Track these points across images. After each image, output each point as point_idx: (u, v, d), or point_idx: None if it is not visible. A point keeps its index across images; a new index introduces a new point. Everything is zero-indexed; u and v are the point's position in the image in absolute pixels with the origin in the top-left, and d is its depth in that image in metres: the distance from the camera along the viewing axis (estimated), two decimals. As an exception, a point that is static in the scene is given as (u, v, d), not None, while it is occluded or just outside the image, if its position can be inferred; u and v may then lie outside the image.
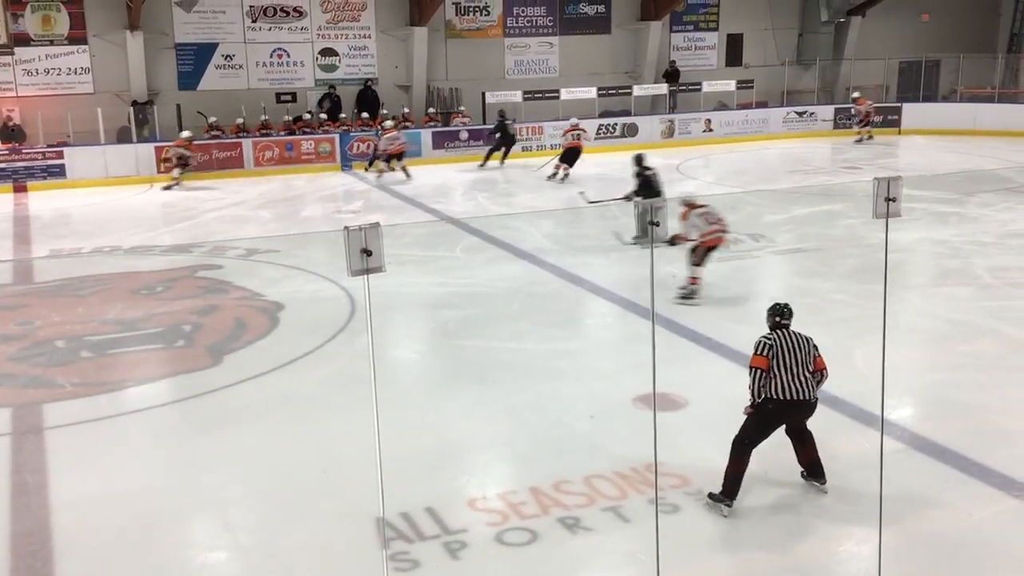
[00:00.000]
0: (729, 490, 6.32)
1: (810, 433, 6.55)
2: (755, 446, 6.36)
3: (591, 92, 24.68)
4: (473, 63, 25.19)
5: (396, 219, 16.25)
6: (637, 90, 25.51)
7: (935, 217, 15.10)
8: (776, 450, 6.56)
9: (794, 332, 6.37)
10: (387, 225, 13.80)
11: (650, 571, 4.78)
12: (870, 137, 24.40)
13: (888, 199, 4.43)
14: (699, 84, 26.02)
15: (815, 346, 6.37)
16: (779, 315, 6.42)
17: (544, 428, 7.77)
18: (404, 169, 20.48)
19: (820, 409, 7.95)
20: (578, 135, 19.78)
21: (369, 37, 24.65)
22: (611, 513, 6.31)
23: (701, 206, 11.09)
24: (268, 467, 7.21)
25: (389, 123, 21.50)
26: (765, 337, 6.33)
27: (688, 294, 11.00)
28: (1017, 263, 12.36)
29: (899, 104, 26.40)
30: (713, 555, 5.99)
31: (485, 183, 20.57)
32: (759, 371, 6.27)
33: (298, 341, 10.01)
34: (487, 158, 22.02)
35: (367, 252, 3.47)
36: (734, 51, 28.11)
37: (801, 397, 6.29)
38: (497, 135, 21.89)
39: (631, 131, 24.61)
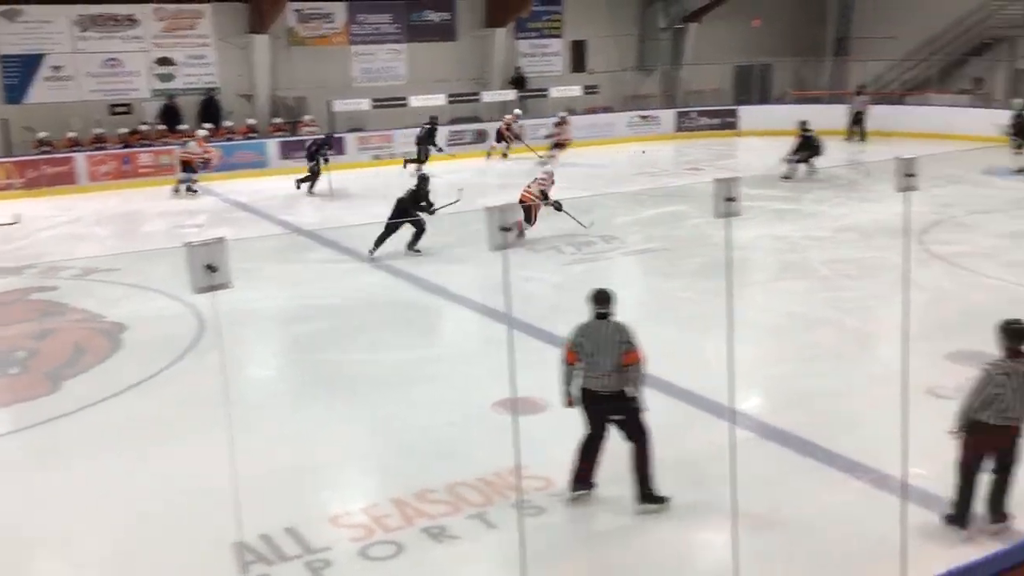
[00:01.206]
0: (576, 483, 6.42)
1: (641, 438, 6.35)
2: (593, 440, 6.38)
3: (440, 99, 24.68)
4: (319, 71, 24.77)
5: (244, 232, 15.78)
6: (486, 96, 25.67)
7: (773, 214, 15.77)
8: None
9: (610, 322, 6.27)
10: (235, 239, 13.42)
11: (516, 566, 4.77)
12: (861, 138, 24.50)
13: (728, 199, 4.56)
14: (546, 90, 26.41)
15: (626, 340, 6.21)
16: (595, 302, 6.33)
17: (406, 438, 7.68)
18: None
19: (673, 404, 8.17)
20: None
21: (208, 45, 23.87)
22: (476, 520, 6.29)
23: None
24: (115, 497, 6.85)
25: (202, 132, 20.65)
26: (577, 327, 6.28)
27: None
28: (850, 256, 13.04)
29: (735, 107, 27.50)
30: (578, 553, 6.05)
31: (337, 193, 20.24)
32: (565, 365, 6.30)
33: (143, 363, 9.58)
34: (416, 161, 21.31)
35: (211, 268, 3.32)
36: (579, 57, 28.67)
37: (599, 389, 6.22)
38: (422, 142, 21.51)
39: (481, 137, 24.74)
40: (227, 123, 23.22)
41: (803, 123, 19.27)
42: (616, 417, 6.33)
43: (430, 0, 26.24)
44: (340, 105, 23.63)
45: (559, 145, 22.77)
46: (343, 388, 8.85)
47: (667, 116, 27.22)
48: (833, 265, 12.63)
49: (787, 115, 25.78)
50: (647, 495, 6.35)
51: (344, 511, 6.50)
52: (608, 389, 6.23)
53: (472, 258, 13.29)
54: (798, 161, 19.00)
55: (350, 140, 23.31)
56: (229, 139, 22.60)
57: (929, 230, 14.00)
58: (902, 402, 4.60)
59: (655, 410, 8.08)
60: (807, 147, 19.04)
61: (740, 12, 28.93)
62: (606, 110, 27.44)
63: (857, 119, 24.65)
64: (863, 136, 24.43)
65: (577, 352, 6.25)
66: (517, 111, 24.18)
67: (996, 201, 16.47)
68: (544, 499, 6.54)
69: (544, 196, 14.58)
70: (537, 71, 27.88)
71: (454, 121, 25.12)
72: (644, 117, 27.06)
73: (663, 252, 13.76)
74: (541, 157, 22.12)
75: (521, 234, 14.18)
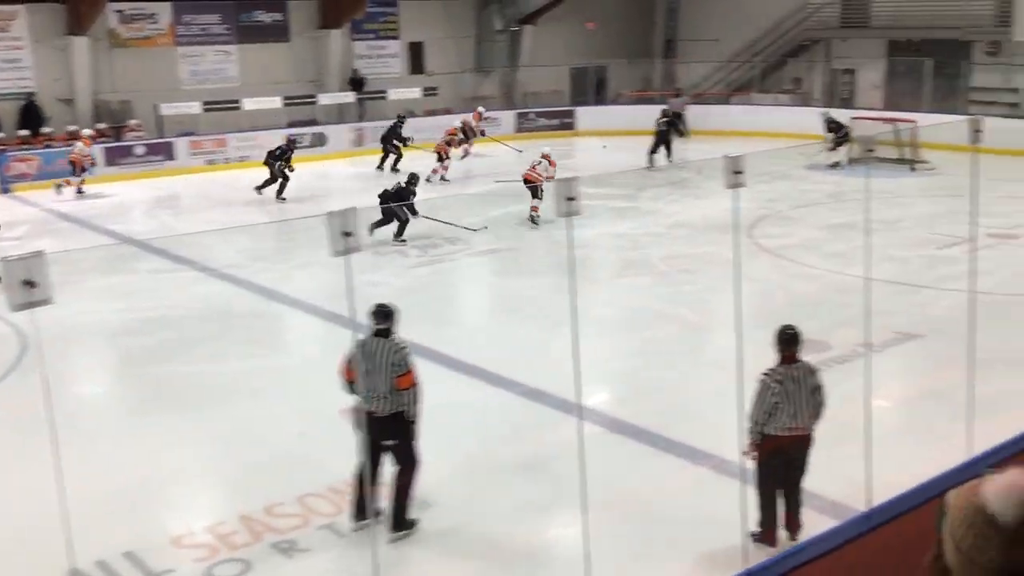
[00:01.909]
0: (357, 512, 6.05)
1: (410, 467, 6.01)
2: (371, 465, 5.87)
3: (276, 102, 24.09)
4: (144, 74, 23.69)
5: (69, 244, 14.92)
6: (323, 99, 25.22)
7: (613, 213, 16.17)
8: (492, 442, 6.68)
9: (388, 341, 5.89)
10: (58, 251, 12.69)
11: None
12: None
13: (569, 198, 4.62)
14: (385, 92, 26.19)
15: (400, 362, 5.83)
16: (373, 317, 5.96)
17: (251, 451, 7.44)
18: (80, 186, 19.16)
19: (524, 403, 8.24)
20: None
21: (22, 48, 22.47)
22: (327, 531, 6.16)
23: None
24: (-69, 533, 6.34)
25: (88, 132, 20.15)
26: (357, 341, 5.92)
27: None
28: (686, 251, 13.51)
29: (573, 108, 28.05)
30: (432, 558, 6.01)
31: (169, 200, 19.47)
32: (343, 379, 5.96)
33: (-40, 386, 8.92)
34: (381, 162, 21.02)
35: (30, 284, 3.10)
36: (417, 59, 28.57)
37: (371, 409, 5.83)
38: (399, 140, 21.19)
39: (320, 141, 24.30)
40: (46, 129, 21.93)
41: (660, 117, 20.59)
42: (388, 442, 5.97)
43: (261, 0, 25.57)
44: (168, 109, 22.68)
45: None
46: (183, 403, 8.50)
47: (507, 117, 27.47)
48: (670, 261, 13.06)
49: (623, 115, 26.55)
50: (400, 522, 6.04)
51: (187, 531, 6.24)
52: (384, 411, 5.87)
53: (314, 264, 13.03)
54: (656, 145, 20.22)
55: (180, 145, 22.43)
56: (48, 146, 21.33)
57: (757, 224, 14.67)
58: (738, 389, 4.79)
59: (505, 410, 8.19)
60: (665, 136, 20.33)
61: (574, 15, 29.51)
62: (446, 112, 27.46)
63: (677, 119, 25.65)
64: (684, 134, 25.38)
65: (352, 368, 5.86)
66: (481, 108, 24.41)
67: (816, 195, 17.42)
68: (396, 505, 6.47)
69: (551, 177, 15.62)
70: (375, 73, 27.61)
71: (291, 125, 24.56)
72: (484, 118, 27.22)
73: (508, 252, 13.88)
74: (518, 149, 22.67)
75: (534, 219, 15.14)
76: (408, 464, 6.01)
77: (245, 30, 25.43)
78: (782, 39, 28.17)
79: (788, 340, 5.74)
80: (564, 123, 27.57)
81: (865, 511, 4.65)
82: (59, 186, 19.45)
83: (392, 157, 21.56)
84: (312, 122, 25.15)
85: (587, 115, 27.58)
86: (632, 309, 11.11)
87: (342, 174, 21.91)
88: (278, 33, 25.99)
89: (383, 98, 26.10)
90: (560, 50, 29.35)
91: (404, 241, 14.10)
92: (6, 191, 20.12)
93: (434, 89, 27.00)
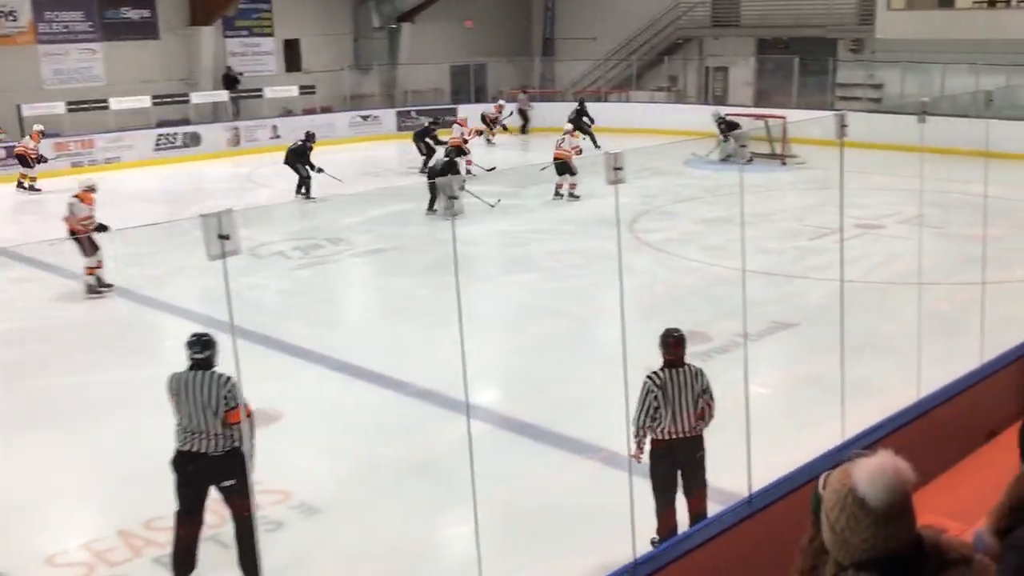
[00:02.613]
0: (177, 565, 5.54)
1: (247, 501, 5.22)
2: (188, 515, 5.51)
3: (145, 101, 23.27)
4: (3, 73, 22.56)
5: (-76, 252, 14.10)
6: (195, 97, 24.50)
7: (498, 210, 16.20)
8: (382, 444, 6.59)
9: (210, 374, 5.36)
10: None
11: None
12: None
13: (451, 197, 4.60)
14: (260, 90, 25.62)
15: (226, 395, 5.28)
16: (189, 348, 5.45)
17: (131, 465, 7.15)
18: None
19: (413, 403, 8.17)
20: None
21: None
22: (211, 542, 5.97)
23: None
24: None
25: (38, 126, 20.12)
26: (172, 375, 5.49)
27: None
28: (570, 247, 13.65)
29: (454, 106, 28.01)
30: (320, 564, 5.91)
31: (34, 204, 18.58)
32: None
33: None
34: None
35: None
36: (293, 56, 28.04)
37: (196, 449, 5.32)
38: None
39: (193, 140, 23.61)
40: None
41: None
42: (225, 483, 5.37)
43: (128, -4, 24.66)
44: (29, 109, 21.65)
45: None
46: (56, 416, 8.12)
47: (388, 116, 27.27)
48: (556, 256, 13.18)
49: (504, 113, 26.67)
50: (252, 568, 5.31)
51: (61, 549, 5.97)
52: (216, 450, 5.31)
53: (191, 267, 12.63)
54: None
55: (44, 147, 21.42)
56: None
57: (638, 219, 14.95)
58: (624, 383, 4.85)
59: (394, 411, 8.11)
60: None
61: (453, 12, 29.50)
62: (325, 110, 27.05)
63: (522, 115, 26.65)
64: (524, 130, 26.29)
65: (173, 398, 5.39)
66: (501, 101, 25.38)
67: (693, 190, 17.86)
68: (283, 512, 6.33)
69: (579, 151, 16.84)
70: (250, 71, 26.97)
71: (161, 124, 23.77)
72: (365, 117, 26.96)
73: (393, 251, 13.76)
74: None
75: (573, 193, 15.72)
76: (247, 503, 5.27)
77: (111, 27, 24.46)
78: (656, 38, 28.80)
79: (672, 343, 5.71)
80: (446, 121, 27.46)
81: (746, 496, 4.78)
82: (20, 184, 19.55)
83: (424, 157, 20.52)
84: (185, 121, 24.40)
85: (468, 113, 27.57)
86: (519, 305, 11.17)
87: (217, 175, 21.33)
88: (147, 30, 25.10)
89: (259, 96, 25.53)
90: (440, 48, 29.30)
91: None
92: None
93: (311, 87, 26.57)
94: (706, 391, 5.68)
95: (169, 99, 24.12)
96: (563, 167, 15.99)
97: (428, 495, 6.51)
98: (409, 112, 27.35)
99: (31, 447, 7.52)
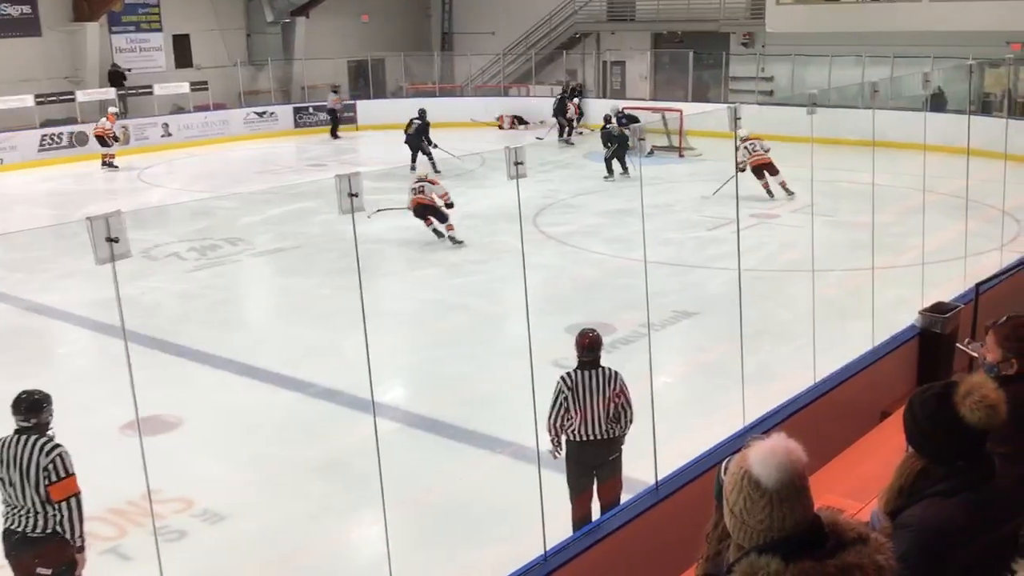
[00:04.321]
0: None
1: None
2: None
3: (27, 100, 22.33)
4: None
5: None
6: (81, 96, 23.59)
7: (401, 206, 16.05)
8: (288, 446, 6.47)
9: (29, 438, 4.73)
10: None
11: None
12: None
13: (352, 194, 4.51)
14: (150, 87, 24.84)
15: (49, 467, 4.68)
16: (15, 410, 4.79)
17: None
18: None
19: (319, 404, 8.05)
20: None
21: None
22: (110, 555, 5.78)
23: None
24: None
25: (113, 108, 21.58)
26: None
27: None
28: (475, 241, 13.62)
29: (354, 101, 27.68)
30: (231, 569, 5.78)
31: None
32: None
33: None
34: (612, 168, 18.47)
35: None
36: (183, 52, 27.26)
37: (17, 529, 4.69)
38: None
39: (80, 140, 22.74)
40: None
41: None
42: (44, 572, 4.75)
43: (7, -9, 23.61)
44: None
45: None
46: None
47: (284, 112, 26.77)
48: (460, 252, 13.14)
49: (404, 109, 26.48)
50: None
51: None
52: (34, 531, 4.66)
53: (79, 273, 12.16)
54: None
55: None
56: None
57: (541, 213, 15.03)
58: (531, 376, 4.86)
59: (300, 413, 7.97)
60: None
61: (348, 7, 29.13)
62: (219, 107, 26.40)
63: (334, 118, 25.86)
64: (335, 133, 25.65)
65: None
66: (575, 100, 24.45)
67: (593, 183, 18.04)
68: (186, 521, 6.16)
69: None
70: (138, 67, 26.12)
71: (45, 124, 22.84)
72: (260, 114, 26.41)
73: (294, 251, 13.51)
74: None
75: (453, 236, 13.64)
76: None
77: (-11, 23, 23.38)
78: (554, 32, 29.00)
79: (586, 346, 5.66)
80: (344, 117, 27.17)
81: (652, 484, 4.85)
82: (105, 163, 20.69)
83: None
84: (71, 120, 23.49)
85: (368, 109, 27.30)
86: (424, 301, 11.11)
87: (106, 175, 20.64)
88: (27, 27, 24.05)
89: (149, 93, 24.75)
90: (336, 43, 28.91)
91: None
92: None
93: (203, 83, 25.89)
94: (620, 394, 5.63)
95: (53, 98, 23.19)
96: (425, 211, 13.53)
97: (337, 496, 6.42)
98: (307, 108, 26.91)
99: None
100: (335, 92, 26.09)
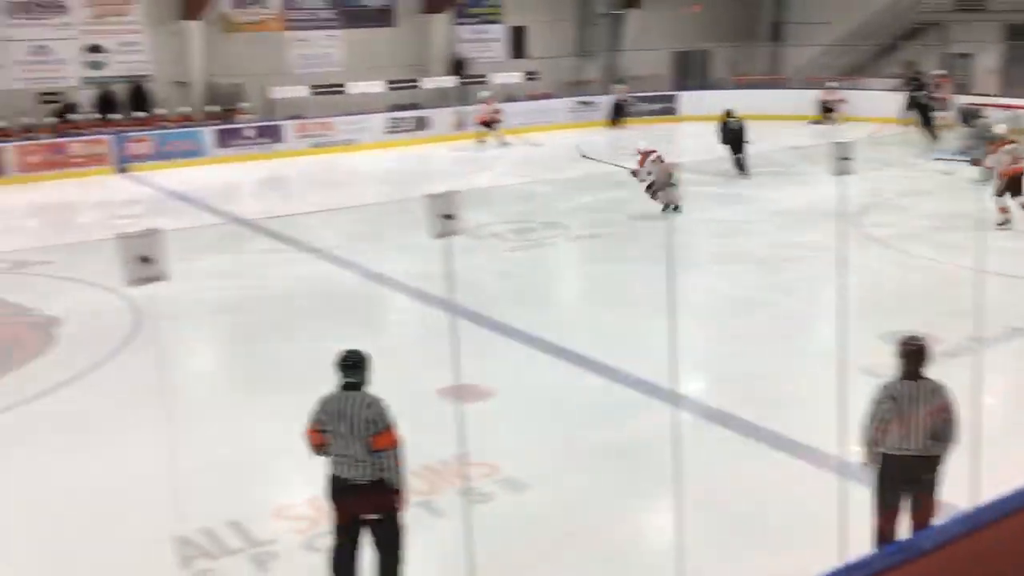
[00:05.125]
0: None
1: (393, 551, 5.19)
2: (344, 549, 5.24)
3: (379, 86, 24.46)
4: (255, 57, 24.35)
5: (180, 223, 15.45)
6: (426, 83, 25.47)
7: (713, 200, 15.91)
8: (585, 428, 6.66)
9: (359, 395, 5.11)
10: (171, 229, 13.15)
11: (463, 560, 4.76)
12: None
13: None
14: (485, 76, 26.30)
15: (375, 419, 5.02)
16: (340, 368, 5.21)
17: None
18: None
19: (617, 389, 8.20)
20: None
21: (139, 32, 23.32)
22: (422, 508, 6.26)
23: (1010, 142, 13.34)
24: (51, 494, 6.69)
25: (486, 93, 23.74)
26: (320, 399, 5.21)
27: (1001, 222, 12.85)
28: (787, 239, 13.23)
29: (675, 93, 27.66)
30: (525, 538, 6.06)
31: (276, 182, 20.01)
32: (311, 445, 5.18)
33: (79, 358, 9.36)
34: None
35: (146, 260, 3.24)
36: (519, 43, 28.59)
37: (349, 477, 5.05)
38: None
39: (422, 124, 24.58)
40: (160, 110, 22.75)
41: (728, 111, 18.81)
42: (370, 516, 5.14)
43: (367, -14, 25.96)
44: (278, 92, 23.30)
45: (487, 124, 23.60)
46: (284, 380, 8.72)
47: (607, 102, 27.30)
48: (771, 248, 12.81)
49: (728, 100, 26.08)
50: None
51: (288, 503, 6.43)
52: (362, 479, 5.02)
53: (414, 247, 13.19)
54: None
55: (289, 128, 23.01)
56: (162, 127, 22.15)
57: (864, 212, 14.26)
58: (839, 382, 4.68)
59: (600, 393, 8.18)
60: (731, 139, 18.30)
61: (679, -2, 29.11)
62: (546, 96, 27.42)
63: (619, 110, 26.12)
64: (615, 124, 25.74)
65: (321, 431, 5.12)
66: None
67: (925, 184, 16.82)
68: (491, 485, 6.54)
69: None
70: (477, 57, 27.75)
71: (393, 108, 24.90)
72: (584, 103, 27.10)
73: (606, 237, 13.81)
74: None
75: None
76: (391, 548, 5.15)
77: (351, 15, 25.86)
78: (895, 22, 27.22)
79: (910, 354, 5.20)
80: (666, 108, 27.22)
81: (970, 509, 4.50)
82: (481, 141, 22.94)
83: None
84: (415, 106, 25.44)
85: (689, 100, 27.15)
86: (730, 296, 10.95)
87: (443, 157, 22.13)
88: (384, 18, 26.36)
89: (484, 82, 26.20)
90: (663, 33, 28.95)
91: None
92: (123, 170, 20.99)
93: (535, 73, 26.99)
94: (946, 409, 5.19)
95: (401, 84, 25.24)
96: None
97: (630, 482, 6.53)
98: (627, 99, 27.19)
99: (262, 408, 8.10)
100: (621, 83, 26.83)
